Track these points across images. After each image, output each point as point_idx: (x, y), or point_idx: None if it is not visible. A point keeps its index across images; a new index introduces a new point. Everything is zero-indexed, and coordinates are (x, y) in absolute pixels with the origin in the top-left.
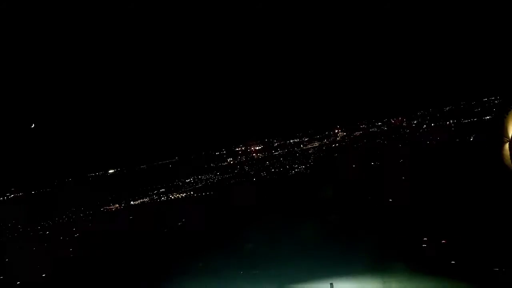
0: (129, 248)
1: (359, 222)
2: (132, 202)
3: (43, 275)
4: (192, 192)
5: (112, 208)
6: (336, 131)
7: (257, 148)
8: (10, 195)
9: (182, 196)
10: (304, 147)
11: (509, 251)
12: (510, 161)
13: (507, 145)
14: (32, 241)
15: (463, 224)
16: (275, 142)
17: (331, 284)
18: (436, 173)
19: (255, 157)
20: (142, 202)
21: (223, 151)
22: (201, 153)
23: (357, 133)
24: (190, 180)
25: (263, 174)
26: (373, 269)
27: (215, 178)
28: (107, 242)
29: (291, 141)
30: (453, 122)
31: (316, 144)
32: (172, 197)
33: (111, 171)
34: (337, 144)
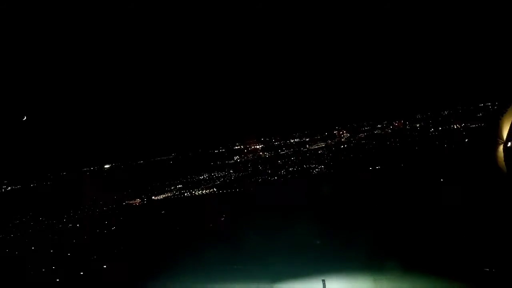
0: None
1: (353, 221)
2: (154, 197)
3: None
4: (214, 189)
5: (135, 203)
6: (341, 132)
7: (258, 147)
8: (6, 187)
9: (206, 192)
10: (310, 147)
11: (501, 251)
12: (503, 162)
13: (501, 147)
14: (64, 234)
15: (455, 224)
16: (275, 142)
17: (323, 280)
18: (431, 174)
19: (262, 155)
20: (165, 197)
21: (222, 149)
22: (198, 150)
23: (362, 135)
24: (204, 177)
25: (282, 172)
26: (365, 267)
27: (231, 175)
28: (148, 235)
29: (292, 141)
30: (451, 126)
31: (322, 144)
32: (197, 193)
33: (106, 166)
34: (345, 145)
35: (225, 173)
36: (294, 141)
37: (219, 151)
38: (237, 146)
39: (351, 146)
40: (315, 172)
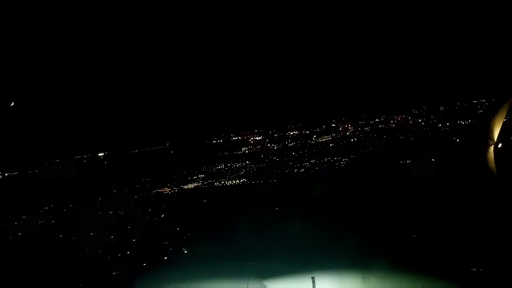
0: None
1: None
2: (183, 187)
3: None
4: (244, 179)
5: (164, 191)
6: (345, 125)
7: (258, 138)
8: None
9: (236, 182)
10: (318, 140)
11: (489, 251)
12: (494, 163)
13: (491, 148)
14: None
15: (444, 224)
16: (274, 134)
17: (313, 278)
18: (422, 173)
19: (270, 147)
20: (195, 186)
21: (219, 140)
22: (193, 140)
23: (367, 129)
24: (222, 167)
25: (306, 164)
26: (354, 264)
27: (251, 167)
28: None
29: (291, 133)
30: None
31: (328, 137)
32: (227, 183)
33: (100, 154)
34: (355, 139)
35: (242, 164)
36: (294, 134)
37: (217, 142)
38: (234, 137)
39: (362, 139)
40: (342, 166)
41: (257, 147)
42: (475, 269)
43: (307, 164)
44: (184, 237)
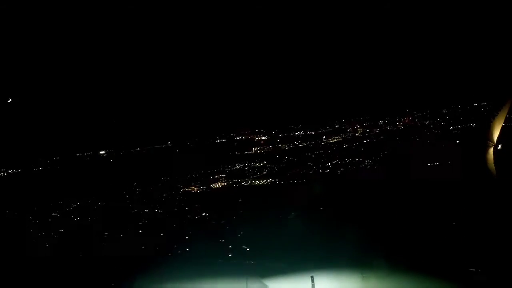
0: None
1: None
2: (212, 186)
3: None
4: (271, 179)
5: (192, 190)
6: (354, 126)
7: (264, 138)
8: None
9: (264, 182)
10: (329, 141)
11: (488, 252)
12: (493, 165)
13: (491, 149)
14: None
15: (444, 224)
16: (279, 134)
17: (312, 276)
18: (421, 175)
19: (281, 147)
20: (222, 186)
21: (222, 139)
22: (194, 139)
23: (376, 130)
24: (241, 167)
25: (329, 165)
26: (354, 264)
27: (272, 166)
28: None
29: (296, 133)
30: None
31: (339, 138)
32: (256, 183)
33: (102, 152)
34: (368, 140)
35: (260, 164)
36: (300, 134)
37: (221, 141)
38: (237, 136)
39: (374, 141)
40: (368, 167)
41: (268, 147)
42: (474, 269)
43: (329, 165)
44: (238, 235)
